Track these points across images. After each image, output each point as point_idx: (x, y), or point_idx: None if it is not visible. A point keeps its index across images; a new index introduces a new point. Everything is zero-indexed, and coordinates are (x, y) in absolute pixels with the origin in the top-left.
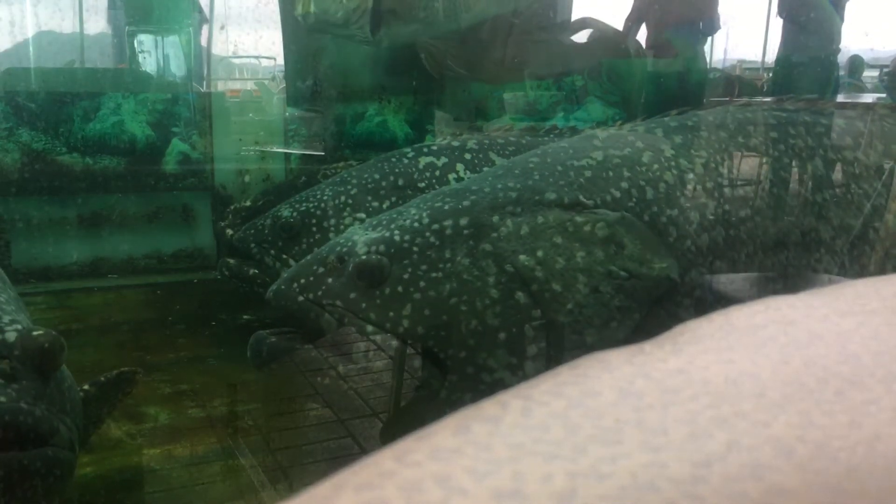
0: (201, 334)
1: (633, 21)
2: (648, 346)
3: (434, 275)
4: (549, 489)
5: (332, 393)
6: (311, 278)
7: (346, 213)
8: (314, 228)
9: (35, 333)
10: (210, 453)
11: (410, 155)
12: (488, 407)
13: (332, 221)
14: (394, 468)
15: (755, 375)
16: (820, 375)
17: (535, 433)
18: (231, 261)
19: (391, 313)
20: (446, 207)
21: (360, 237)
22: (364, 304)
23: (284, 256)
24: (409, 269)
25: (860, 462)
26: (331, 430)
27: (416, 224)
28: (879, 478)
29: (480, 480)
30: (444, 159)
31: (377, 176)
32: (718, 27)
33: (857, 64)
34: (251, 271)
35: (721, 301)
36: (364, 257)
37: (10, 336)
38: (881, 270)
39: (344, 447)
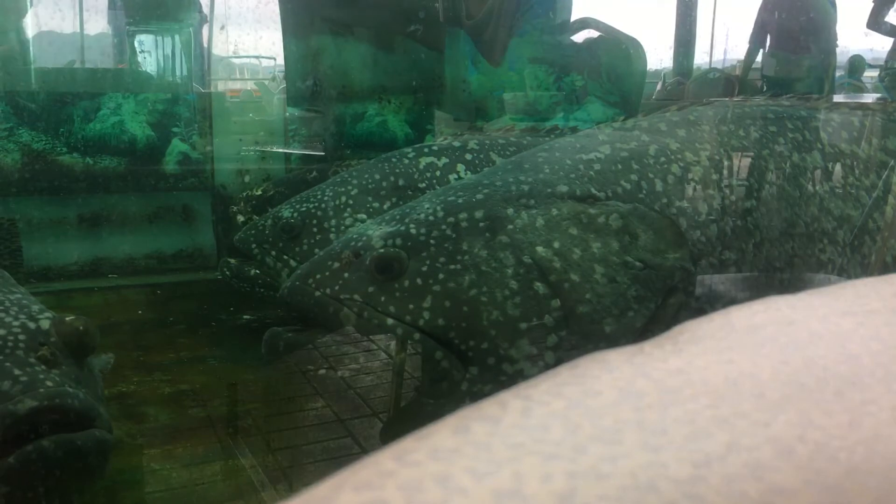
0: (201, 334)
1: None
2: (648, 347)
3: (452, 267)
4: (549, 489)
5: (332, 393)
6: (327, 273)
7: (346, 214)
8: (315, 229)
9: (68, 319)
10: (210, 453)
11: (411, 155)
12: (488, 407)
13: (333, 222)
14: (394, 468)
15: (755, 375)
16: (820, 375)
17: (535, 433)
18: (232, 261)
19: (411, 306)
20: (460, 201)
21: (375, 231)
22: (383, 298)
23: (285, 257)
24: (427, 262)
25: (860, 462)
26: (331, 430)
27: (430, 217)
28: (879, 478)
29: (480, 480)
30: (444, 159)
31: (378, 176)
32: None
33: (857, 64)
34: (252, 271)
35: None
36: (382, 250)
37: (45, 324)
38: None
39: (344, 447)
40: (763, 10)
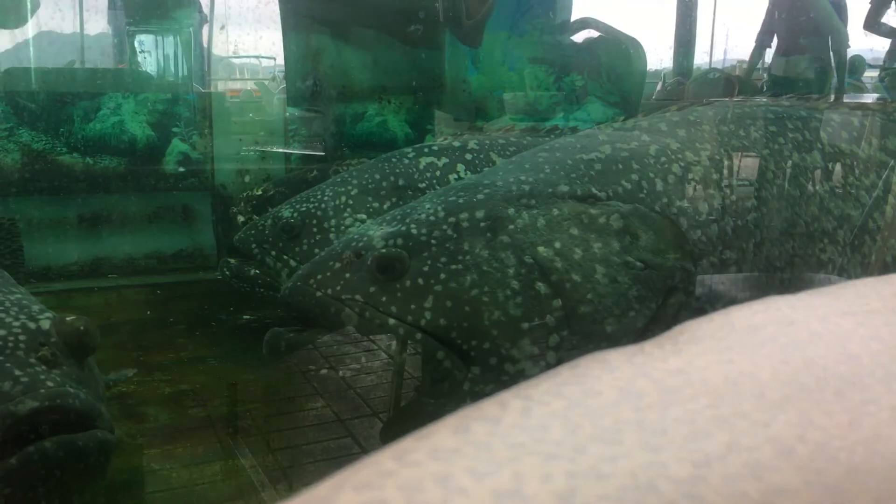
0: (201, 334)
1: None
2: (648, 346)
3: (454, 267)
4: (549, 489)
5: (332, 393)
6: (329, 274)
7: (346, 214)
8: (315, 229)
9: (69, 319)
10: (210, 453)
11: (411, 155)
12: (488, 407)
13: (333, 222)
14: (394, 468)
15: (755, 375)
16: (820, 375)
17: (535, 433)
18: (232, 261)
19: (413, 306)
20: (461, 201)
21: (376, 232)
22: (384, 298)
23: (285, 257)
24: (429, 262)
25: (860, 462)
26: (331, 430)
27: (432, 217)
28: (879, 478)
29: (480, 480)
30: (444, 160)
31: (377, 176)
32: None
33: (857, 64)
34: (252, 271)
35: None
36: (383, 250)
37: (45, 324)
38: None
39: (344, 447)
40: (771, 10)
